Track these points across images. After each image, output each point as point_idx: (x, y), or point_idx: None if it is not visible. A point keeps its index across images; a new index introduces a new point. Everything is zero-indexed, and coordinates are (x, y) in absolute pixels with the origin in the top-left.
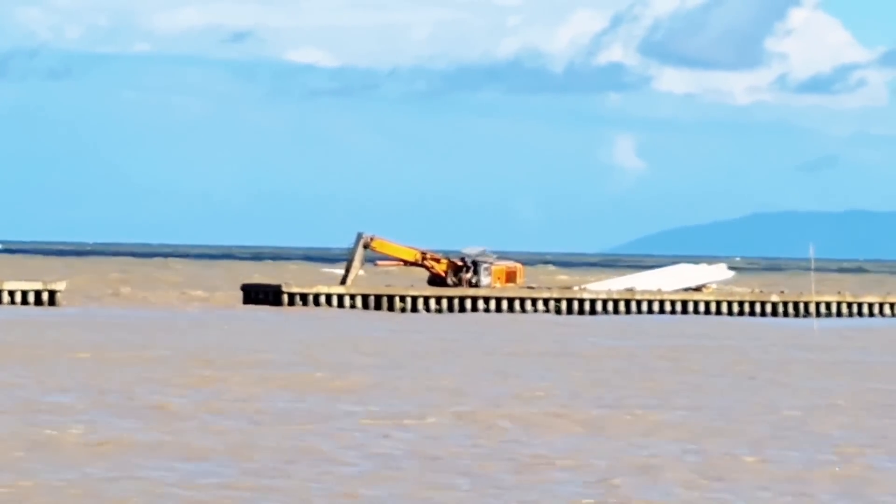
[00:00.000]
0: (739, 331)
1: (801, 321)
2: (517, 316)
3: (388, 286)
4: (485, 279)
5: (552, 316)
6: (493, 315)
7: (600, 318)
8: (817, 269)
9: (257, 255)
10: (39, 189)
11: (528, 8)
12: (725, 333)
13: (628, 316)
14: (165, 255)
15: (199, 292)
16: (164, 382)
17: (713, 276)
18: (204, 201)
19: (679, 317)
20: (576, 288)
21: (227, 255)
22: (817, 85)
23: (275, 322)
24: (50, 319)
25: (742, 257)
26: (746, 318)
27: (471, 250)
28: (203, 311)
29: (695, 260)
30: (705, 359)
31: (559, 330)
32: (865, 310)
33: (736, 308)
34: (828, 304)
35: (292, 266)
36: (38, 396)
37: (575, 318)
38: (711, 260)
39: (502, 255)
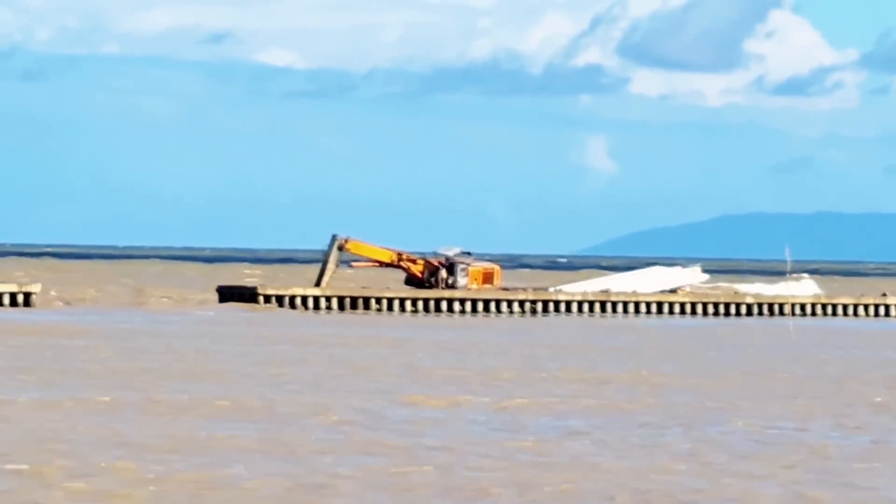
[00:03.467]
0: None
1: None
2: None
3: (364, 287)
4: (461, 280)
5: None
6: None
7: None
8: (792, 271)
9: (232, 258)
10: (9, 190)
11: (499, 10)
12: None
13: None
14: (138, 257)
15: (175, 294)
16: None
17: (688, 279)
18: (178, 203)
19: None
20: (551, 290)
21: (201, 257)
22: (793, 87)
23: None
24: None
25: (710, 259)
26: (721, 319)
27: (447, 250)
28: (183, 314)
29: (667, 262)
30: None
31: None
32: (840, 311)
33: (711, 309)
34: (802, 306)
35: (266, 268)
36: None
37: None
38: (685, 262)
39: (478, 257)
